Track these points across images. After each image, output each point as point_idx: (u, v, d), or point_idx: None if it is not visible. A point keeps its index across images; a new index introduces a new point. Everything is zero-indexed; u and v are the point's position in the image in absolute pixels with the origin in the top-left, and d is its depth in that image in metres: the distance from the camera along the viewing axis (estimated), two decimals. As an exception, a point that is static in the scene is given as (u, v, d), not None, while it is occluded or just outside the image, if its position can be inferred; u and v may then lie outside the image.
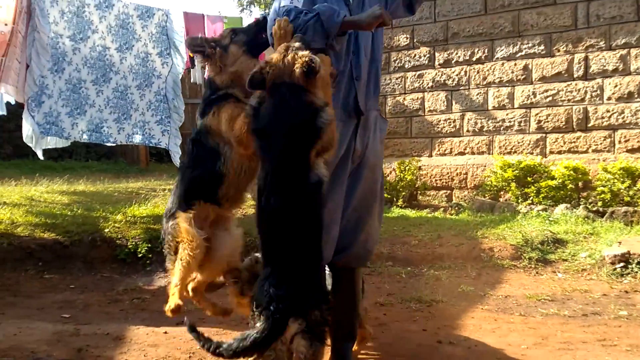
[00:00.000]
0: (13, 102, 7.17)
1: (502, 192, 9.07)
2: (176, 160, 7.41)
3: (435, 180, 9.74)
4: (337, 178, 3.29)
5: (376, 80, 3.52)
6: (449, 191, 9.65)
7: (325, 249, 3.25)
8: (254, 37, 3.50)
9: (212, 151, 3.35)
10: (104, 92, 6.86)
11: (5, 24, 6.30)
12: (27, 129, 6.61)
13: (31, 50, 6.38)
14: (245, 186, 3.45)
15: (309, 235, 2.86)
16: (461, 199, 9.48)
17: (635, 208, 8.02)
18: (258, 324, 2.65)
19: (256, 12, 29.63)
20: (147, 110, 7.14)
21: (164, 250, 3.64)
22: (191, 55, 8.65)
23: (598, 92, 8.59)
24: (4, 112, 7.93)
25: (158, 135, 7.20)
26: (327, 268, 3.48)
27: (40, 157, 7.04)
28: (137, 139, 7.17)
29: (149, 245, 6.58)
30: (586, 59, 8.66)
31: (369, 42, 3.42)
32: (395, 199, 9.45)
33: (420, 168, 9.76)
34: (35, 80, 6.43)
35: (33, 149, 6.87)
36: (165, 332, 4.37)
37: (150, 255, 6.50)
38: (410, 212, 8.91)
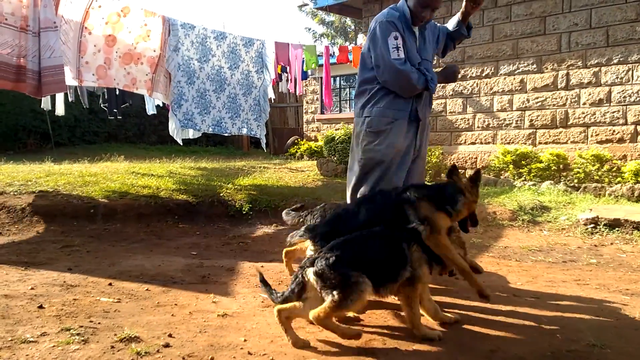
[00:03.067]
0: (161, 104, 7.37)
1: (502, 172, 8.87)
2: (263, 145, 7.58)
3: (454, 162, 9.58)
4: (404, 162, 3.45)
5: (430, 97, 3.60)
6: (463, 171, 9.47)
7: None
8: None
9: None
10: (221, 98, 7.01)
11: (154, 50, 6.46)
12: (172, 125, 6.79)
13: (172, 68, 6.55)
14: None
15: None
16: (472, 176, 9.29)
17: (602, 184, 7.75)
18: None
19: (325, 42, 29.72)
20: (249, 111, 7.28)
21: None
22: (279, 72, 8.74)
23: (576, 99, 8.28)
24: (155, 112, 8.19)
25: (255, 129, 7.35)
26: None
27: (180, 143, 7.24)
28: (244, 131, 7.33)
29: (250, 205, 6.70)
30: (567, 74, 8.34)
31: (430, 68, 3.54)
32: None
33: (442, 154, 9.62)
34: (174, 90, 6.59)
35: (175, 138, 7.06)
36: (262, 266, 4.43)
37: (251, 213, 6.61)
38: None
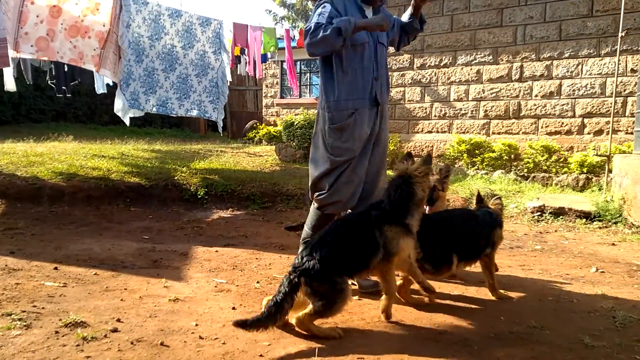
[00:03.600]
0: (112, 84, 7.16)
1: (457, 160, 9.06)
2: (220, 129, 7.41)
3: (410, 150, 9.72)
4: (365, 150, 3.41)
5: (387, 82, 3.56)
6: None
7: (354, 200, 3.40)
8: None
9: None
10: (169, 78, 6.83)
11: (104, 25, 6.25)
12: (119, 103, 6.61)
13: (124, 46, 6.36)
14: None
15: None
16: (427, 164, 9.45)
17: (550, 174, 8.04)
18: None
19: (286, 25, 29.45)
20: (203, 92, 7.11)
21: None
22: (236, 54, 8.61)
23: (529, 91, 8.52)
24: (105, 91, 7.94)
25: (210, 111, 7.19)
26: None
27: (127, 124, 7.05)
28: (194, 113, 7.15)
29: (206, 189, 6.63)
30: (521, 67, 8.56)
31: (384, 54, 3.51)
32: (380, 163, 9.45)
33: (400, 141, 9.74)
34: (124, 68, 6.42)
35: (122, 118, 6.88)
36: (216, 251, 4.41)
37: (207, 197, 6.55)
38: (391, 173, 8.89)
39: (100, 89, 7.89)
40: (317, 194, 3.46)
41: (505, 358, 2.38)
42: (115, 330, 2.55)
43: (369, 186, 3.46)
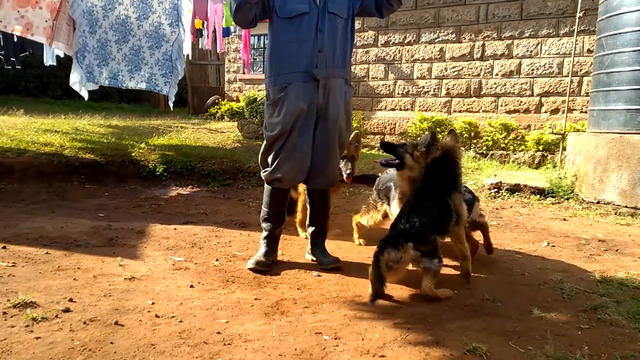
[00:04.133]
0: (62, 55, 6.88)
1: (419, 138, 9.12)
2: (171, 104, 7.19)
3: (373, 128, 9.76)
4: (306, 125, 3.27)
5: (343, 56, 3.37)
6: (382, 136, 9.68)
7: (300, 176, 3.38)
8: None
9: None
10: (122, 50, 6.59)
11: (56, -5, 5.99)
12: (75, 76, 6.37)
13: (77, 16, 6.11)
14: None
15: None
16: (390, 141, 9.51)
17: (508, 152, 8.23)
18: None
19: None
20: (155, 65, 6.87)
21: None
22: (198, 27, 8.40)
23: (489, 69, 8.63)
24: (54, 63, 7.62)
25: (161, 84, 6.93)
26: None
27: (86, 97, 6.81)
28: (143, 85, 6.90)
29: (165, 166, 6.51)
30: (483, 45, 8.66)
31: (334, 26, 3.27)
32: (342, 140, 9.46)
33: (363, 119, 9.76)
34: (79, 39, 6.19)
35: (78, 92, 6.64)
36: (175, 228, 4.35)
37: (165, 174, 6.44)
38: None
39: (49, 60, 7.56)
40: (263, 170, 3.48)
41: (459, 330, 2.45)
42: (67, 310, 2.49)
43: (319, 161, 3.38)
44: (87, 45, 6.25)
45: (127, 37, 6.60)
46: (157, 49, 6.85)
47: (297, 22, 3.20)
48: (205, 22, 8.12)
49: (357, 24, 9.86)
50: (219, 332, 2.34)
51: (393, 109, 9.61)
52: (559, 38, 8.01)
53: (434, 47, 9.11)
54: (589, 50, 7.74)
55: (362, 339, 2.32)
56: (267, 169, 3.42)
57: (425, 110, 9.23)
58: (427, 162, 3.17)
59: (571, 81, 7.16)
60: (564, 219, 5.19)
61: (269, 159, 3.40)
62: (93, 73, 6.37)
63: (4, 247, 3.48)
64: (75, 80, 6.35)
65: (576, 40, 7.28)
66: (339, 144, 3.48)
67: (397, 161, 3.33)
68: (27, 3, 5.79)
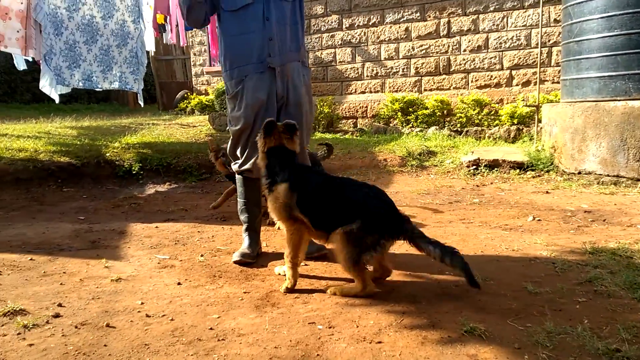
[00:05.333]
0: (30, 59, 6.71)
1: (391, 119, 9.17)
2: (141, 100, 7.06)
3: (345, 112, 9.74)
4: (269, 115, 3.17)
5: (296, 39, 3.32)
6: (354, 120, 9.68)
7: None
8: None
9: None
10: (92, 51, 6.46)
11: (21, 2, 5.81)
12: (45, 80, 6.21)
13: (40, 18, 5.94)
14: None
15: None
16: (363, 125, 9.53)
17: (482, 128, 8.28)
18: None
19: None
20: (124, 63, 6.77)
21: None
22: (160, 22, 8.23)
23: (457, 46, 8.67)
24: (25, 67, 7.43)
25: (131, 82, 6.85)
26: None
27: (57, 100, 6.64)
28: (116, 85, 6.79)
29: (140, 164, 6.43)
30: (449, 22, 8.68)
31: (284, 12, 3.23)
32: (317, 127, 9.43)
33: (334, 104, 9.74)
34: (46, 42, 6.02)
35: (49, 94, 6.49)
36: (156, 227, 4.31)
37: (142, 172, 6.36)
38: (328, 135, 8.95)
39: (20, 65, 7.37)
40: (233, 163, 3.48)
41: (454, 311, 2.44)
42: (57, 316, 2.45)
43: None
44: (53, 47, 6.09)
45: (95, 37, 6.46)
46: (124, 47, 6.73)
47: (242, 13, 3.17)
48: (168, 17, 7.96)
49: (320, 9, 9.80)
50: (211, 328, 2.32)
51: (363, 92, 9.60)
52: (524, 10, 8.07)
53: (399, 27, 9.10)
54: (555, 20, 7.82)
55: (357, 326, 2.31)
56: (237, 162, 3.43)
57: (396, 91, 9.24)
58: None
59: (540, 52, 7.24)
60: (547, 192, 5.25)
61: (238, 153, 3.40)
62: (62, 75, 6.21)
63: (-15, 257, 3.40)
64: (45, 83, 6.20)
65: (542, 11, 7.34)
66: (306, 128, 3.43)
67: None
68: None
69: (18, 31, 5.79)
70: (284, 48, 3.24)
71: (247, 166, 3.34)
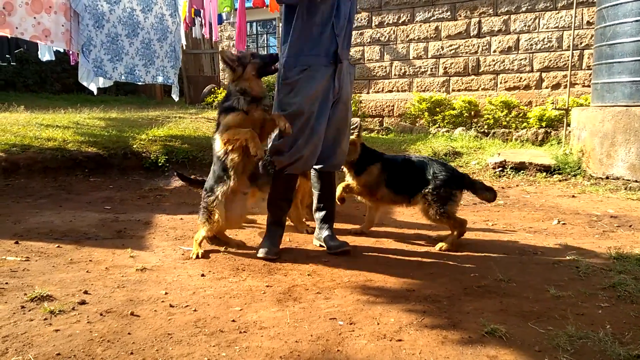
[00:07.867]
0: (62, 50, 6.81)
1: (418, 119, 9.12)
2: (176, 95, 7.15)
3: (371, 110, 9.72)
4: (324, 108, 3.30)
5: (349, 37, 3.45)
6: (381, 118, 9.65)
7: (314, 160, 3.38)
8: (265, 65, 3.34)
9: None
10: (134, 44, 6.56)
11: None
12: (82, 71, 6.31)
13: (79, 9, 6.01)
14: None
15: None
16: (389, 124, 9.50)
17: (510, 130, 8.19)
18: None
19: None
20: (165, 57, 6.87)
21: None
22: (192, 16, 8.32)
23: (487, 46, 8.58)
24: (52, 58, 7.56)
25: (172, 76, 6.97)
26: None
27: (95, 92, 6.73)
28: (160, 79, 6.91)
29: (166, 157, 6.49)
30: (479, 22, 8.59)
31: (348, 9, 3.33)
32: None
33: (360, 102, 9.72)
34: (83, 33, 6.10)
35: (87, 87, 6.61)
36: (181, 218, 4.36)
37: (167, 165, 6.42)
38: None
39: (45, 55, 7.50)
40: (276, 155, 3.40)
41: (475, 312, 2.42)
42: (83, 303, 2.50)
43: (330, 145, 3.42)
44: (92, 39, 6.17)
45: (137, 31, 6.55)
46: (164, 41, 6.82)
47: (323, 5, 3.22)
48: (202, 11, 8.05)
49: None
50: (233, 320, 2.34)
51: (390, 91, 9.56)
52: (557, 11, 7.95)
53: (429, 25, 9.04)
54: (588, 23, 7.68)
55: (378, 324, 2.31)
56: (283, 154, 3.35)
57: (423, 91, 9.19)
58: None
59: (572, 55, 7.12)
60: (573, 196, 5.18)
61: (285, 144, 3.33)
62: (103, 68, 6.30)
63: (17, 242, 3.49)
64: (83, 75, 6.30)
65: (575, 13, 7.22)
66: (348, 125, 3.55)
67: None
68: (40, 8, 5.69)
69: (63, 25, 5.86)
70: (345, 45, 3.37)
71: (296, 158, 3.30)
